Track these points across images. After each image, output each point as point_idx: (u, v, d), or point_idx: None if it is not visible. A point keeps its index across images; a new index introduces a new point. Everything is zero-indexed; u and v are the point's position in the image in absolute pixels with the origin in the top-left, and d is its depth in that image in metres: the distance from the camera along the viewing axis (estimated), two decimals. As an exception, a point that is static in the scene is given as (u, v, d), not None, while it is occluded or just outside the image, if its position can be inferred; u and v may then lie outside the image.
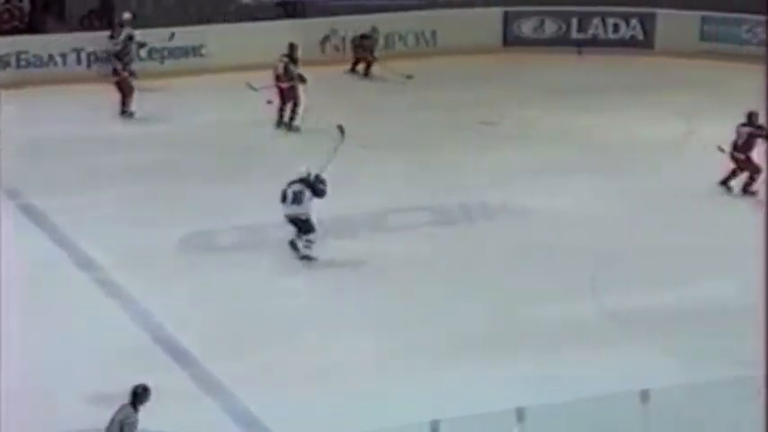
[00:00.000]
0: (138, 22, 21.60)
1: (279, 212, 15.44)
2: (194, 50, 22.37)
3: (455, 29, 23.12)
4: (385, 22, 22.95)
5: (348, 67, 22.20)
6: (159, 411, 9.62)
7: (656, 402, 9.46)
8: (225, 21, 22.79)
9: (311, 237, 14.23)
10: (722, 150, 16.28)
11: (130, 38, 20.93)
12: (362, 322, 12.78)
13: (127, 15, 21.48)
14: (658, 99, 20.30)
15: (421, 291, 13.51)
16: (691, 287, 13.31)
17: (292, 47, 19.57)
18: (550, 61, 22.39)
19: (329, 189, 14.23)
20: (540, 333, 12.37)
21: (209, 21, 22.68)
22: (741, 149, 16.25)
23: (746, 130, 16.25)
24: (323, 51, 22.87)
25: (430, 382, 11.34)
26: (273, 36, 22.01)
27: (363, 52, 22.19)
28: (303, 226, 14.23)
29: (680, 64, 22.09)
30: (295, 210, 14.21)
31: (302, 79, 19.22)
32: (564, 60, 22.54)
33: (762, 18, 22.21)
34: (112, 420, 9.48)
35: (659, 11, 23.17)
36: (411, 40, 23.22)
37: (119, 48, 20.74)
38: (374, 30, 22.41)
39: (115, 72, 20.08)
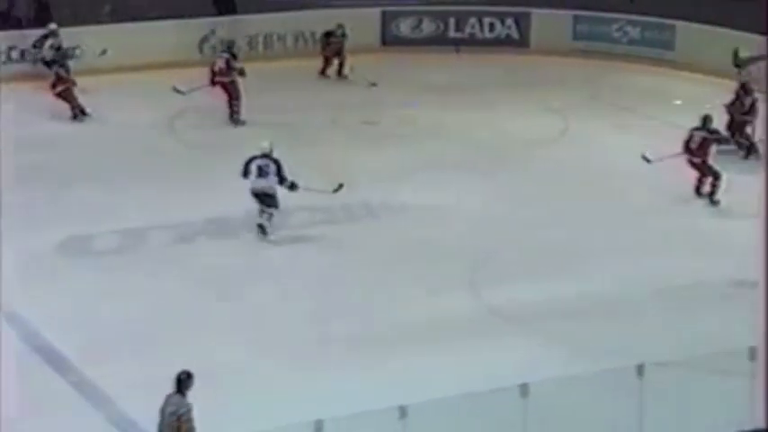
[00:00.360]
0: (13, 23, 21.18)
1: (159, 215, 15.49)
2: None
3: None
4: (263, 23, 22.92)
5: (318, 69, 21.89)
6: (38, 420, 9.51)
7: (535, 396, 9.68)
8: (98, 22, 22.48)
9: (273, 211, 14.68)
10: (647, 160, 16.33)
11: (58, 48, 20.51)
12: (244, 322, 12.79)
13: (53, 26, 21.05)
14: (534, 97, 20.65)
15: (303, 290, 13.58)
16: (566, 281, 13.61)
17: (231, 42, 20.32)
18: (429, 60, 22.61)
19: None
20: (420, 329, 12.53)
21: (83, 22, 22.33)
22: (696, 154, 16.21)
23: (701, 134, 16.23)
24: (201, 52, 22.79)
25: (313, 382, 11.42)
26: (154, 36, 21.92)
27: (330, 52, 21.92)
28: (268, 200, 14.67)
29: (554, 62, 22.49)
30: (261, 184, 14.66)
31: (242, 73, 19.57)
32: (442, 59, 22.78)
33: (631, 17, 22.79)
34: (163, 413, 9.42)
35: (534, 10, 23.57)
36: (290, 40, 23.21)
37: (48, 57, 20.29)
38: (339, 26, 22.23)
39: (59, 80, 19.67)
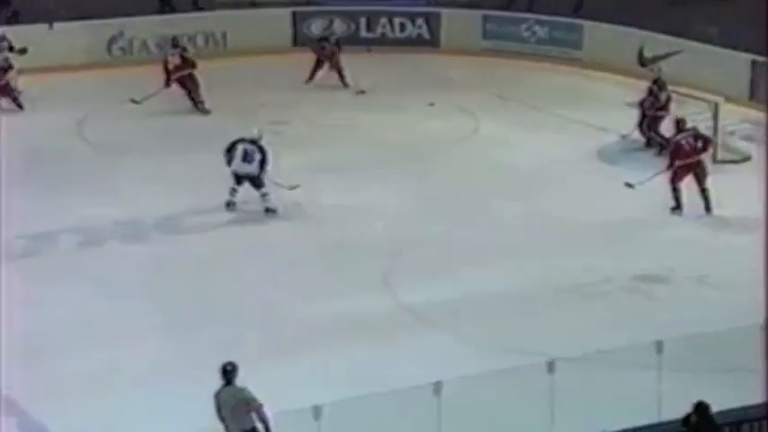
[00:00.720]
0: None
1: (69, 218, 15.33)
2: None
3: (245, 30, 23.14)
4: (172, 23, 22.72)
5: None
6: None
7: (448, 394, 9.76)
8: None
9: (265, 190, 15.53)
10: (630, 186, 15.87)
11: (11, 48, 20.42)
12: (152, 325, 12.69)
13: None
14: (445, 96, 20.77)
15: (216, 290, 13.51)
16: (478, 280, 13.70)
17: (175, 38, 20.87)
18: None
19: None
20: (335, 329, 12.55)
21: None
22: (700, 151, 15.73)
23: (690, 134, 15.81)
24: (110, 53, 22.58)
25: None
26: (62, 37, 21.64)
27: (324, 57, 21.57)
28: (255, 182, 15.55)
29: (464, 62, 22.66)
30: (246, 168, 15.52)
31: (194, 65, 20.11)
32: (354, 59, 22.80)
33: (539, 17, 23.05)
34: (225, 409, 9.51)
35: (444, 10, 23.74)
36: (201, 41, 23.07)
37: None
38: (331, 32, 22.13)
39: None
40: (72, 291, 13.45)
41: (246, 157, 15.50)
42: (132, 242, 14.93)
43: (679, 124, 16.18)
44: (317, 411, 9.41)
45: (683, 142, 15.86)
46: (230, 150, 15.59)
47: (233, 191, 15.62)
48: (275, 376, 11.49)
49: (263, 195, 15.61)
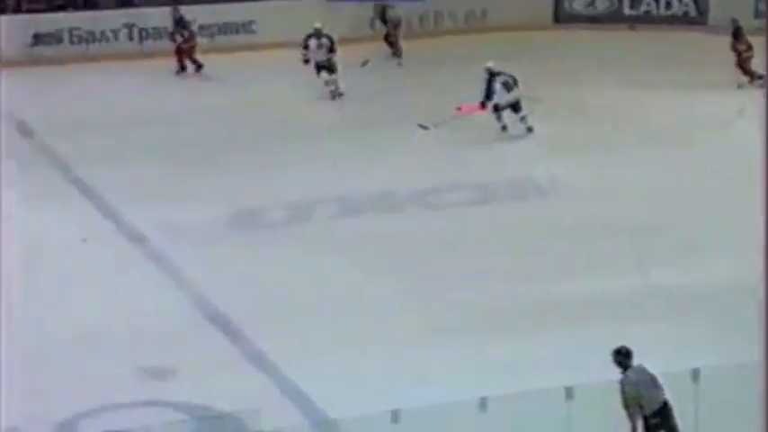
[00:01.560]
0: None
1: (325, 189, 15.57)
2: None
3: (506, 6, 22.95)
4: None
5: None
6: (209, 385, 9.62)
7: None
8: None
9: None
10: None
11: None
12: (401, 302, 12.57)
13: None
14: (713, 75, 19.85)
15: (458, 267, 13.25)
16: (735, 263, 12.85)
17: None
18: (603, 37, 22.18)
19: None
20: (588, 307, 12.16)
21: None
22: None
23: None
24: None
25: (391, 370, 11.09)
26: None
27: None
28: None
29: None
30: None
31: None
32: (617, 36, 22.31)
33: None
34: (634, 392, 9.26)
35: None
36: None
37: None
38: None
39: None
40: (324, 259, 13.53)
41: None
42: (386, 213, 14.99)
43: None
44: (569, 393, 9.10)
45: None
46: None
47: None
48: (522, 354, 11.23)
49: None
